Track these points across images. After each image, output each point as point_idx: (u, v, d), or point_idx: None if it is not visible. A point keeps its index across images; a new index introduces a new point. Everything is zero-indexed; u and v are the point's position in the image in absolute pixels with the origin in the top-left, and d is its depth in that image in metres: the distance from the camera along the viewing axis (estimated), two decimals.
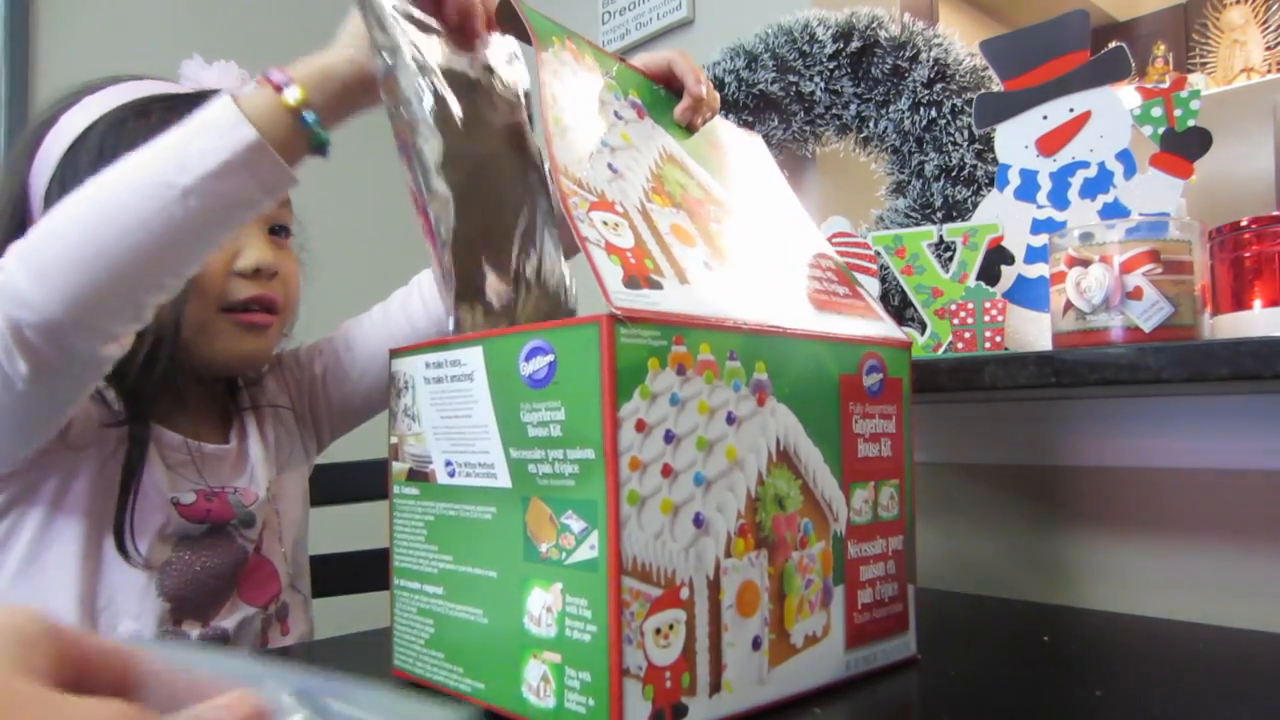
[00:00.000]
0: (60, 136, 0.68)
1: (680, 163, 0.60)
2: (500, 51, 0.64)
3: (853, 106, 1.09)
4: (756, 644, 0.49)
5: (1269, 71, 2.58)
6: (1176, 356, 0.63)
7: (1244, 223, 0.76)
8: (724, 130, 0.69)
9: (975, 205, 0.96)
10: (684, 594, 0.45)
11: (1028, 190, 0.90)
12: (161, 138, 0.54)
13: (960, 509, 0.99)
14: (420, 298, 0.81)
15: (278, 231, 0.74)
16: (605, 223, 0.48)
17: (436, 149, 0.54)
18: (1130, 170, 0.84)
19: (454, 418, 0.52)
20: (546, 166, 0.61)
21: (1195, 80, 2.47)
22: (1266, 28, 2.63)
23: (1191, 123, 0.80)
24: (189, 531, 0.69)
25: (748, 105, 1.16)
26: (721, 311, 0.48)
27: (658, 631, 0.44)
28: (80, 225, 0.52)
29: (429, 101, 0.55)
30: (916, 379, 0.65)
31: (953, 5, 2.67)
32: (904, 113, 1.04)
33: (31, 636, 0.20)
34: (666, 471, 0.44)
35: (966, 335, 0.85)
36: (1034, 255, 0.89)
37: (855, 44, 1.07)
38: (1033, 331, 0.89)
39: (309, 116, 0.56)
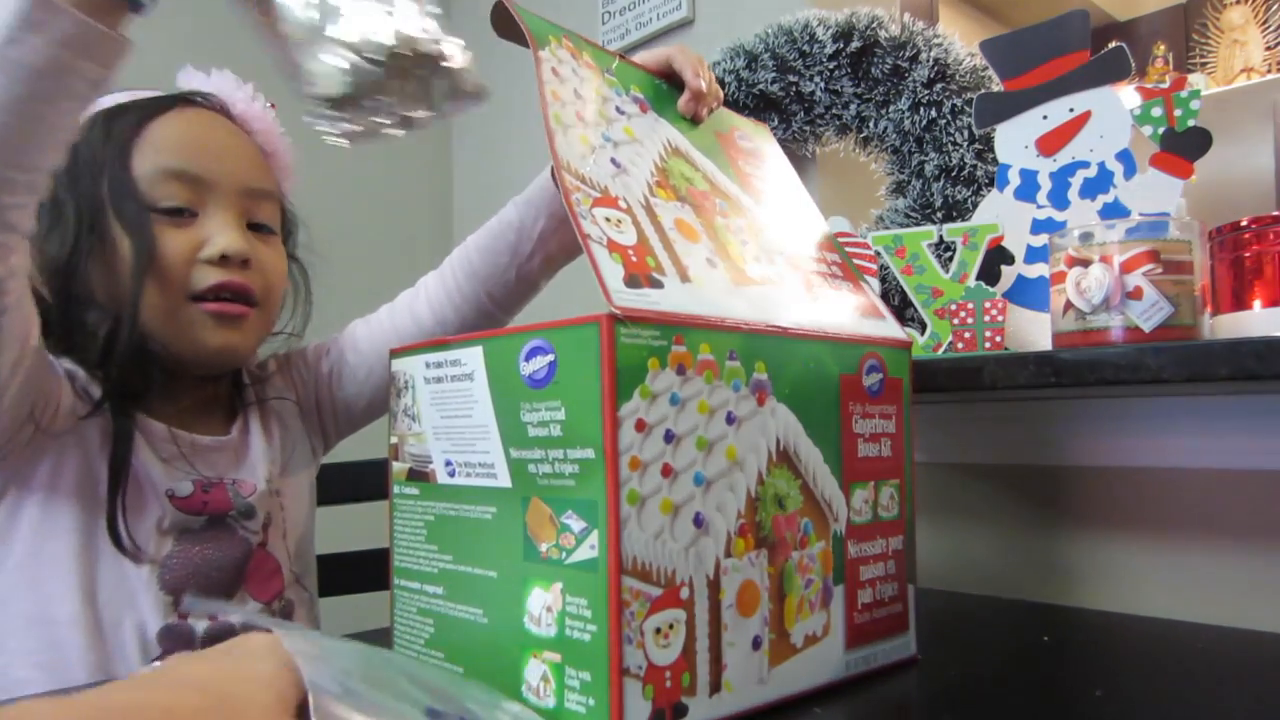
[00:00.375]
0: None
1: (685, 155, 0.60)
2: None
3: (853, 106, 1.09)
4: (756, 644, 0.49)
5: (1269, 71, 2.58)
6: (1176, 356, 0.63)
7: (1244, 223, 0.76)
8: (729, 120, 0.69)
9: (975, 205, 0.96)
10: (684, 594, 0.45)
11: (1028, 190, 0.90)
12: None
13: (960, 509, 0.99)
14: (426, 298, 0.81)
15: (257, 228, 0.73)
16: (608, 219, 0.48)
17: None
18: (1130, 170, 0.84)
19: (454, 417, 0.52)
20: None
21: (1195, 80, 2.47)
22: (1266, 28, 2.63)
23: (1191, 123, 0.80)
24: (188, 524, 0.69)
25: (748, 105, 1.16)
26: (723, 310, 0.48)
27: (658, 631, 0.44)
28: None
29: None
30: (916, 379, 0.65)
31: (953, 5, 2.67)
32: (904, 113, 1.04)
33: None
34: (666, 471, 0.44)
35: (966, 335, 0.85)
36: (1034, 255, 0.89)
37: (855, 44, 1.07)
38: (1033, 331, 0.89)
39: None
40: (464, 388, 0.51)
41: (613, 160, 0.53)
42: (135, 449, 0.67)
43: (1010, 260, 0.90)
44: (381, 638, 0.61)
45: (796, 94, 1.13)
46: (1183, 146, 0.80)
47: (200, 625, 0.69)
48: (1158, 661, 0.62)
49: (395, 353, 0.58)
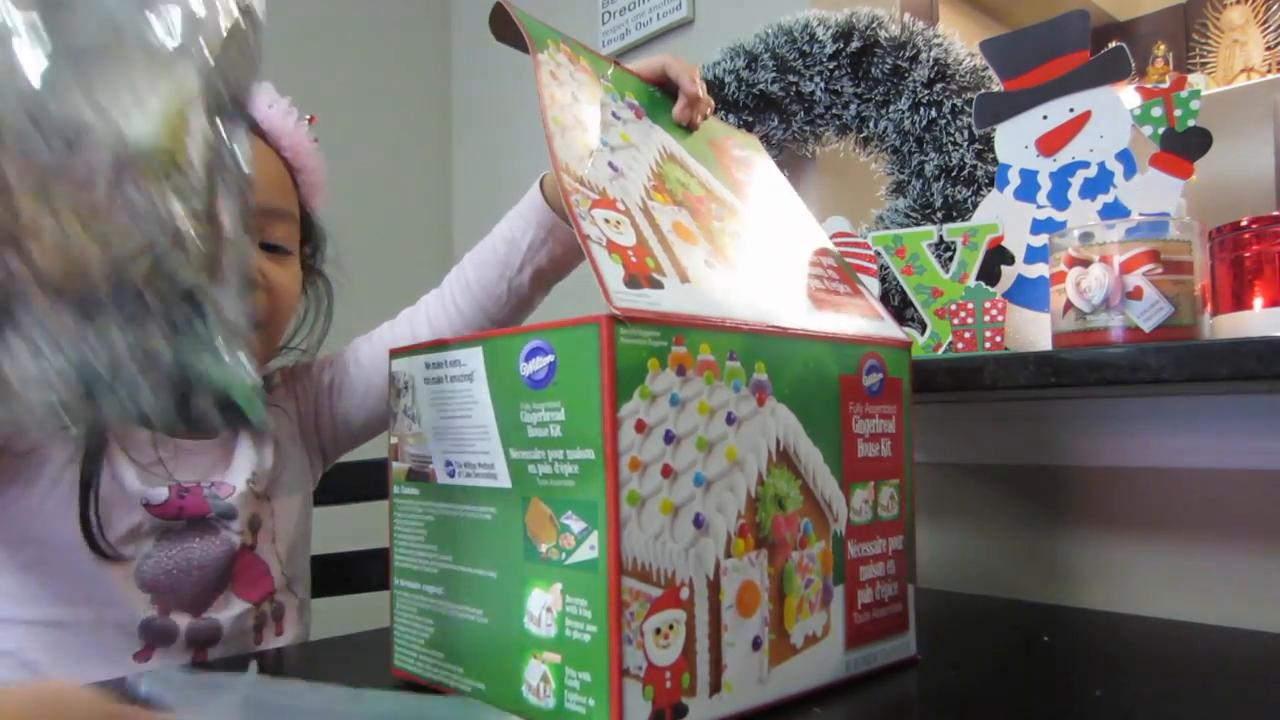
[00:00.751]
0: None
1: (680, 161, 0.60)
2: None
3: (853, 106, 1.09)
4: (756, 644, 0.49)
5: (1269, 71, 2.58)
6: (1176, 356, 0.63)
7: (1244, 223, 0.76)
8: (721, 130, 0.70)
9: (975, 205, 0.96)
10: (684, 594, 0.45)
11: (1028, 190, 0.90)
12: None
13: (960, 509, 0.99)
14: (426, 315, 0.81)
15: (270, 248, 0.73)
16: (607, 220, 0.48)
17: None
18: (1130, 170, 0.84)
19: (454, 418, 0.52)
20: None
21: (1195, 80, 2.47)
22: (1266, 28, 2.63)
23: (1191, 123, 0.80)
24: (170, 526, 0.69)
25: (748, 105, 1.16)
26: (722, 311, 0.48)
27: (658, 632, 0.44)
28: None
29: None
30: (916, 379, 0.65)
31: (953, 5, 2.67)
32: (904, 113, 1.04)
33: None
34: (666, 472, 0.44)
35: (966, 335, 0.85)
36: (1034, 255, 0.89)
37: (855, 44, 1.07)
38: (1033, 331, 0.89)
39: None
40: (464, 388, 0.51)
41: (610, 164, 0.53)
42: (111, 458, 0.67)
43: (1010, 260, 0.90)
44: (381, 638, 0.61)
45: (796, 94, 1.13)
46: (1183, 146, 0.80)
47: (183, 622, 0.69)
48: (1158, 661, 0.62)
49: (395, 353, 0.58)
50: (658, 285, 0.47)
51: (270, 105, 0.76)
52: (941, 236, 0.88)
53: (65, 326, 0.31)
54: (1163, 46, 2.75)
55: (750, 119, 1.17)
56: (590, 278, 0.45)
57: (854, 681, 0.55)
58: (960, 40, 1.04)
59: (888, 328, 0.61)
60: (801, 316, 0.54)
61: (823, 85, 1.11)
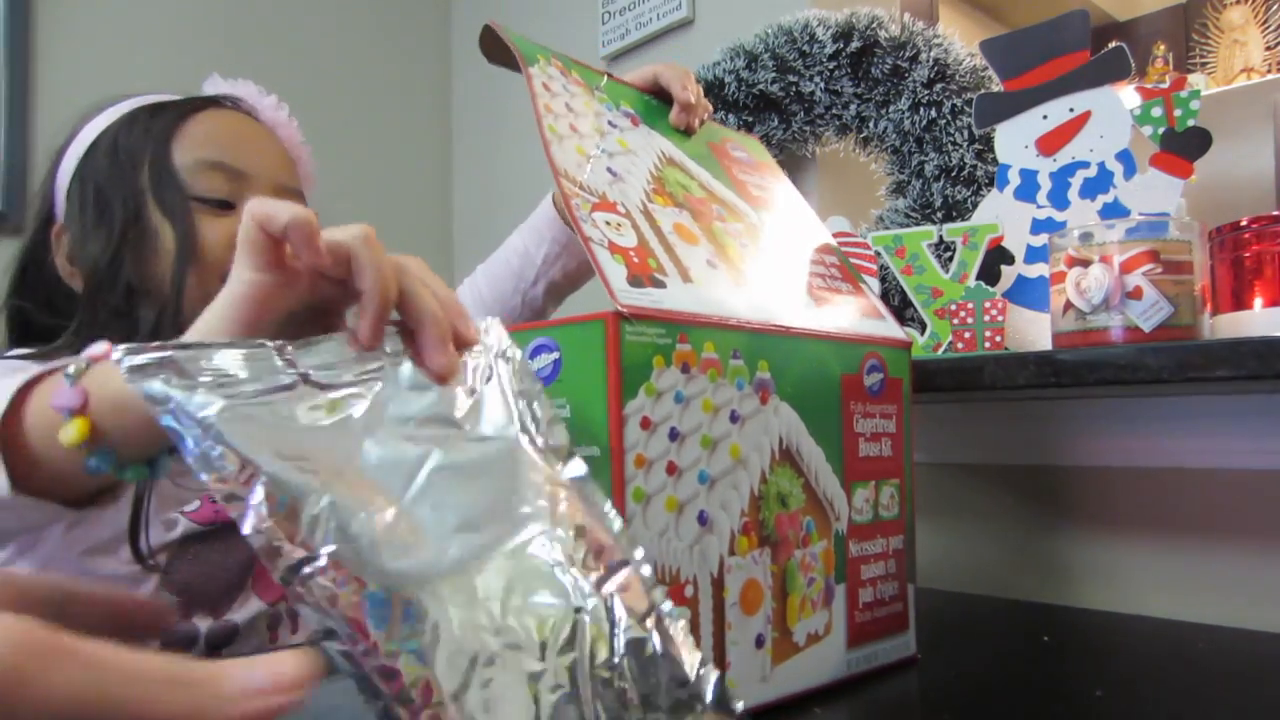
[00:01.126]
0: (80, 143, 0.73)
1: (680, 164, 0.60)
2: None
3: (853, 106, 1.09)
4: (759, 642, 0.49)
5: (1269, 71, 2.58)
6: (1176, 356, 0.63)
7: (1244, 223, 0.76)
8: (720, 133, 0.70)
9: (975, 205, 0.96)
10: (688, 592, 0.45)
11: (1028, 190, 0.90)
12: None
13: (960, 509, 1.00)
14: None
15: None
16: (608, 223, 0.48)
17: None
18: (1130, 170, 0.84)
19: None
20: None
21: (1195, 80, 2.47)
22: (1266, 28, 2.63)
23: (1191, 123, 0.80)
24: (202, 532, 0.69)
25: (748, 105, 1.16)
26: (725, 310, 0.49)
27: None
28: None
29: None
30: (916, 379, 0.65)
31: (953, 5, 2.67)
32: (904, 113, 1.04)
33: None
34: (671, 469, 0.45)
35: (966, 335, 0.85)
36: (1034, 255, 0.89)
37: (855, 44, 1.07)
38: (1033, 331, 0.89)
39: (91, 463, 0.41)
40: None
41: (609, 169, 0.53)
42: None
43: (1010, 260, 0.90)
44: None
45: (796, 94, 1.13)
46: (1183, 146, 0.80)
47: (204, 625, 0.69)
48: (1158, 661, 0.62)
49: None
50: (660, 285, 0.47)
51: (262, 96, 0.78)
52: (941, 236, 0.88)
53: None
54: (1163, 46, 2.75)
55: (750, 119, 1.17)
56: (593, 279, 0.45)
57: (854, 680, 0.55)
58: (960, 40, 1.05)
59: (889, 327, 0.61)
60: (803, 315, 0.55)
61: (823, 85, 1.11)
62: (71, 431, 0.40)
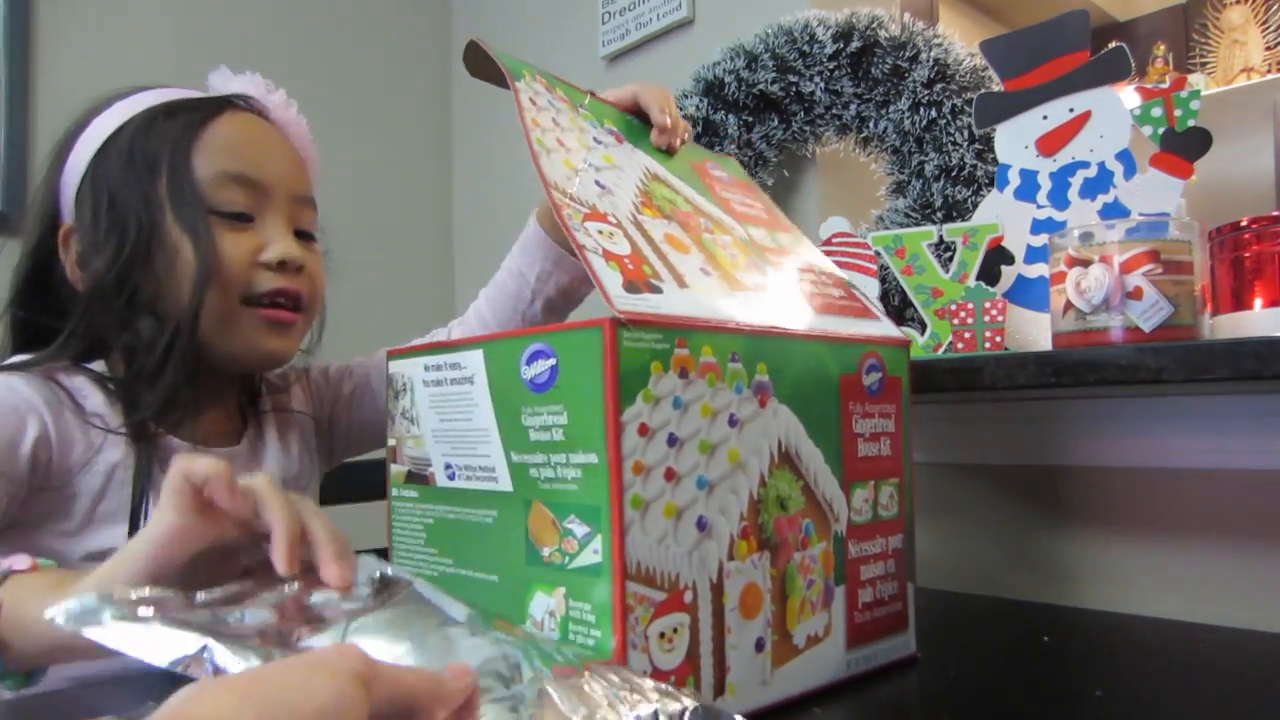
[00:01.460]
0: (90, 140, 0.70)
1: (665, 181, 0.61)
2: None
3: (853, 106, 1.09)
4: (760, 646, 0.49)
5: (1269, 71, 2.58)
6: (1176, 356, 0.63)
7: (1244, 223, 0.76)
8: (700, 154, 0.71)
9: (975, 205, 0.96)
10: (688, 597, 0.45)
11: (1028, 190, 0.90)
12: None
13: (960, 509, 1.00)
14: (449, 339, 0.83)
15: (302, 235, 0.74)
16: (600, 232, 0.48)
17: None
18: (1130, 170, 0.84)
19: (454, 421, 0.52)
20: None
21: (1195, 80, 2.47)
22: (1266, 28, 2.63)
23: (1191, 123, 0.80)
24: None
25: (748, 105, 1.16)
26: (721, 314, 0.49)
27: (662, 636, 0.44)
28: None
29: None
30: (916, 379, 0.65)
31: (953, 5, 2.67)
32: (904, 113, 1.04)
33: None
34: (670, 475, 0.45)
35: (966, 335, 0.85)
36: (1034, 255, 0.89)
37: (855, 44, 1.07)
38: (1033, 331, 0.89)
39: None
40: (464, 391, 0.51)
41: (597, 182, 0.53)
42: (153, 476, 0.67)
43: (1010, 260, 0.90)
44: None
45: (796, 94, 1.13)
46: (1183, 146, 0.80)
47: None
48: (1158, 661, 0.62)
49: (393, 354, 0.58)
50: (656, 290, 0.47)
51: (268, 93, 0.77)
52: (941, 236, 0.88)
53: None
54: (1163, 46, 2.75)
55: (750, 119, 1.17)
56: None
57: (854, 681, 0.55)
58: (960, 40, 1.05)
59: (885, 327, 0.61)
60: (800, 317, 0.55)
61: (823, 85, 1.11)
62: None
